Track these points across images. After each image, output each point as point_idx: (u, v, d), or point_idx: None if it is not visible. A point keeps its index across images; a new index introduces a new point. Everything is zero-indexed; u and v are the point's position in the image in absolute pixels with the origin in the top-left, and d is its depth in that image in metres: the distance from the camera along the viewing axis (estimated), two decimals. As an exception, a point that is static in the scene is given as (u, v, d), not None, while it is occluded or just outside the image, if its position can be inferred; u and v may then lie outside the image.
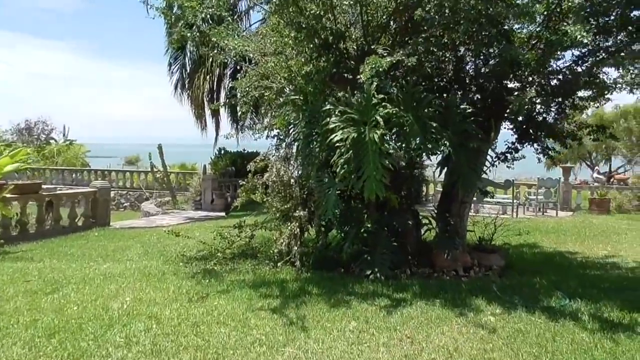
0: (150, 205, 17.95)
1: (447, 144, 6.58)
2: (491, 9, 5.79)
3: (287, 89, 7.84)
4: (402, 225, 7.67)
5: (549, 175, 24.29)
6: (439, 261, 7.59)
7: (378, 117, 6.10)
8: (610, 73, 7.82)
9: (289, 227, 7.61)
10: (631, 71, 7.84)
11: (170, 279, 6.82)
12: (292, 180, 7.98)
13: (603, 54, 7.26)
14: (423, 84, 6.97)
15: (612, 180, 19.89)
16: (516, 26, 6.93)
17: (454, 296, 6.25)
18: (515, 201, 15.51)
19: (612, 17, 6.92)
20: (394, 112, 6.22)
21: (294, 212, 7.67)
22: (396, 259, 7.30)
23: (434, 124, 6.39)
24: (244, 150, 17.66)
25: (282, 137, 8.56)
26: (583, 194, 17.28)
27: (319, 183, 7.29)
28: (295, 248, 7.45)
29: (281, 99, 8.23)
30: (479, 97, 7.13)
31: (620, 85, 7.81)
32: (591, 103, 8.02)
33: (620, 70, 7.69)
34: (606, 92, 7.78)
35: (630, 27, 7.06)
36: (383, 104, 6.22)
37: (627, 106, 27.37)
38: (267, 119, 9.83)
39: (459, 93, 7.17)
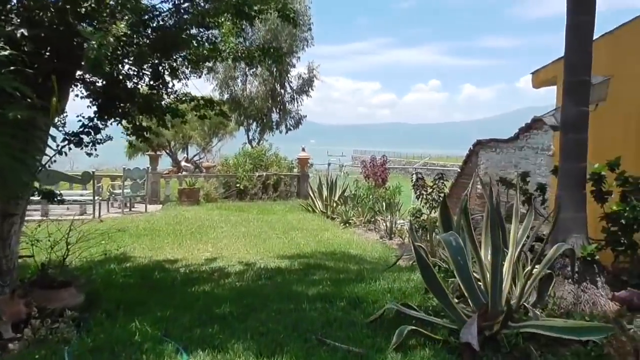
0: None
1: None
2: None
3: None
4: None
5: (133, 164, 22.42)
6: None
7: None
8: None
9: None
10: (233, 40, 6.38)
11: None
12: None
13: (204, 5, 5.47)
14: None
15: (196, 168, 19.63)
16: None
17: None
18: (97, 198, 12.75)
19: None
20: None
21: None
22: None
23: None
24: None
25: None
26: (172, 184, 16.08)
27: None
28: None
29: None
30: (28, 34, 4.14)
31: (223, 54, 6.28)
32: (191, 71, 6.20)
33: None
34: (208, 60, 6.14)
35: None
36: None
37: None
38: None
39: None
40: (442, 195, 9.56)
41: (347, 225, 11.72)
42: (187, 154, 29.35)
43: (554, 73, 7.41)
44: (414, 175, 9.51)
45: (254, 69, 25.30)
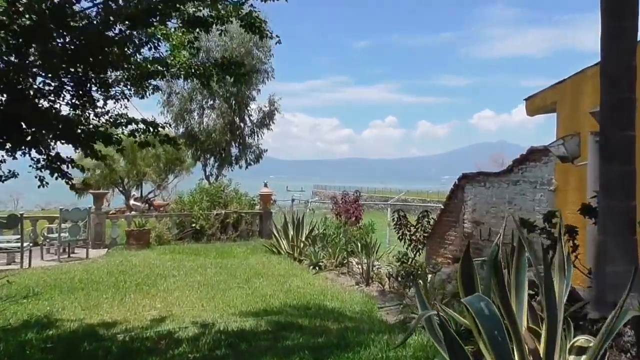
0: None
1: None
2: None
3: None
4: None
5: (83, 203, 20.35)
6: None
7: None
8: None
9: None
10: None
11: None
12: None
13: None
14: None
15: (150, 207, 17.98)
16: None
17: None
18: (29, 243, 11.07)
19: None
20: None
21: None
22: None
23: None
24: None
25: None
26: (120, 225, 14.41)
27: None
28: None
29: None
30: None
31: (173, 70, 5.16)
32: (131, 89, 4.99)
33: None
34: (153, 76, 4.95)
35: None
36: None
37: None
38: None
39: None
40: (426, 235, 8.55)
41: (318, 269, 10.48)
42: (142, 191, 27.53)
43: (553, 98, 6.58)
44: (395, 213, 8.46)
45: (212, 102, 24.16)
